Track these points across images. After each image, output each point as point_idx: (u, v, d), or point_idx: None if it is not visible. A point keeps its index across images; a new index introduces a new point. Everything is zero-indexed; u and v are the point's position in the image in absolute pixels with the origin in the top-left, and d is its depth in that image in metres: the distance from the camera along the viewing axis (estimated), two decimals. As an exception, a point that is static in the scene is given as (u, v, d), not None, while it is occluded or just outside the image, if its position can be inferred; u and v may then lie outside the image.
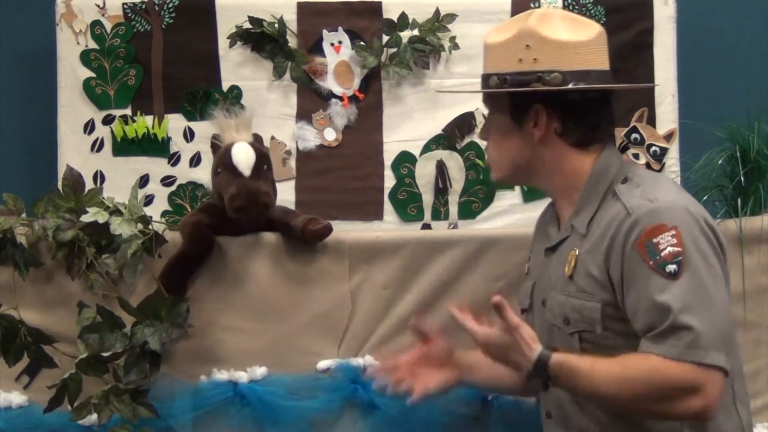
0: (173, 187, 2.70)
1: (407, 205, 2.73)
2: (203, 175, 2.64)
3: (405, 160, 2.73)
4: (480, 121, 2.70)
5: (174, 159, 2.71)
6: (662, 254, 1.72)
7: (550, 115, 1.88)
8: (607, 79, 1.90)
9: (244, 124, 2.31)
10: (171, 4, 2.69)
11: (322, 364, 2.26)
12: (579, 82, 1.86)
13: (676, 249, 1.72)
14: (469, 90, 1.98)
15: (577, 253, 1.85)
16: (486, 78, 1.93)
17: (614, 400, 1.75)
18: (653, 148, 2.71)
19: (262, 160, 2.26)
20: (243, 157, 2.23)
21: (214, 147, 2.32)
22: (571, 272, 1.85)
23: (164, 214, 2.67)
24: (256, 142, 2.32)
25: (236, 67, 2.71)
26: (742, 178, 2.38)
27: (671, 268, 1.72)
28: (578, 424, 1.88)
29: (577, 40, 1.87)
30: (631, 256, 1.75)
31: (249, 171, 2.23)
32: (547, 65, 1.85)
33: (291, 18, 2.71)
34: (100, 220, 2.14)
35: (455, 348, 2.11)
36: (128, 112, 2.70)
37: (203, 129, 2.69)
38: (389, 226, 2.70)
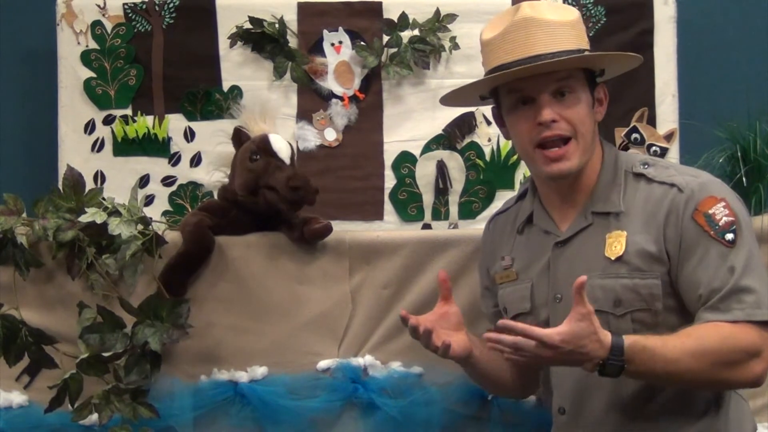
0: (174, 187, 2.71)
1: (407, 205, 2.73)
2: (204, 175, 2.65)
3: (405, 160, 2.73)
4: (480, 121, 2.71)
5: (174, 159, 2.71)
6: (720, 224, 1.81)
7: (606, 95, 1.97)
8: None
9: (269, 116, 2.33)
10: (171, 5, 2.69)
11: (323, 363, 2.25)
12: None
13: (730, 218, 1.81)
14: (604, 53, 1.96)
15: (626, 234, 1.87)
16: (577, 52, 1.87)
17: (688, 374, 1.75)
18: (653, 148, 2.71)
19: (294, 153, 2.30)
20: (283, 146, 2.26)
21: (240, 136, 2.30)
22: (620, 253, 1.86)
23: (165, 214, 2.67)
24: None
25: (237, 67, 2.72)
26: (742, 178, 2.38)
27: (729, 236, 1.81)
28: (593, 420, 1.89)
29: None
30: (689, 228, 1.82)
31: (288, 160, 2.25)
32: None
33: (291, 18, 2.72)
34: (98, 221, 2.14)
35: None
36: (129, 112, 2.71)
37: (203, 129, 2.70)
38: (389, 226, 2.70)
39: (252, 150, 2.26)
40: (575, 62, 1.87)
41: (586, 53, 1.89)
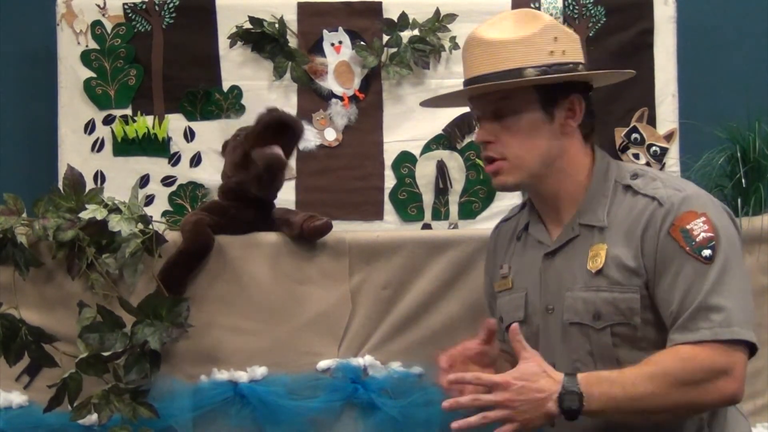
0: (173, 187, 2.71)
1: (407, 205, 2.73)
2: (203, 175, 2.65)
3: (405, 160, 2.73)
4: (480, 121, 2.71)
5: (174, 159, 2.71)
6: (697, 240, 1.77)
7: (581, 106, 1.91)
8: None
9: None
10: (171, 4, 2.69)
11: (323, 364, 2.25)
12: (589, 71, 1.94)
13: (709, 234, 1.77)
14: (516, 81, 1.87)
15: (606, 247, 1.86)
16: (515, 72, 1.85)
17: (651, 398, 1.73)
18: (653, 148, 2.71)
19: None
20: None
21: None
22: (600, 266, 1.85)
23: (165, 214, 2.68)
24: None
25: (236, 67, 2.72)
26: (742, 178, 2.38)
27: (707, 252, 1.76)
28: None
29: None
30: (665, 243, 1.79)
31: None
32: (573, 57, 1.89)
33: (291, 18, 2.72)
34: (99, 217, 2.14)
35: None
36: (129, 112, 2.71)
37: (203, 129, 2.70)
38: (389, 226, 2.71)
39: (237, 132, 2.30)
40: (506, 86, 1.84)
41: (531, 74, 1.84)
